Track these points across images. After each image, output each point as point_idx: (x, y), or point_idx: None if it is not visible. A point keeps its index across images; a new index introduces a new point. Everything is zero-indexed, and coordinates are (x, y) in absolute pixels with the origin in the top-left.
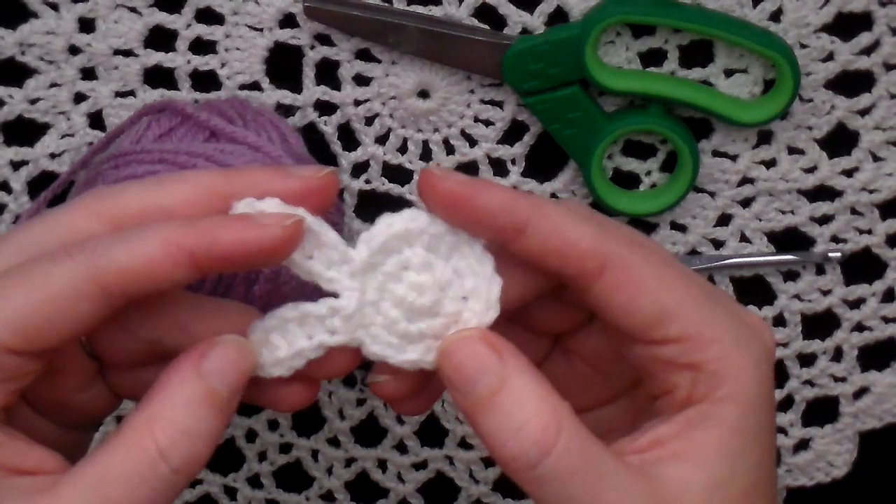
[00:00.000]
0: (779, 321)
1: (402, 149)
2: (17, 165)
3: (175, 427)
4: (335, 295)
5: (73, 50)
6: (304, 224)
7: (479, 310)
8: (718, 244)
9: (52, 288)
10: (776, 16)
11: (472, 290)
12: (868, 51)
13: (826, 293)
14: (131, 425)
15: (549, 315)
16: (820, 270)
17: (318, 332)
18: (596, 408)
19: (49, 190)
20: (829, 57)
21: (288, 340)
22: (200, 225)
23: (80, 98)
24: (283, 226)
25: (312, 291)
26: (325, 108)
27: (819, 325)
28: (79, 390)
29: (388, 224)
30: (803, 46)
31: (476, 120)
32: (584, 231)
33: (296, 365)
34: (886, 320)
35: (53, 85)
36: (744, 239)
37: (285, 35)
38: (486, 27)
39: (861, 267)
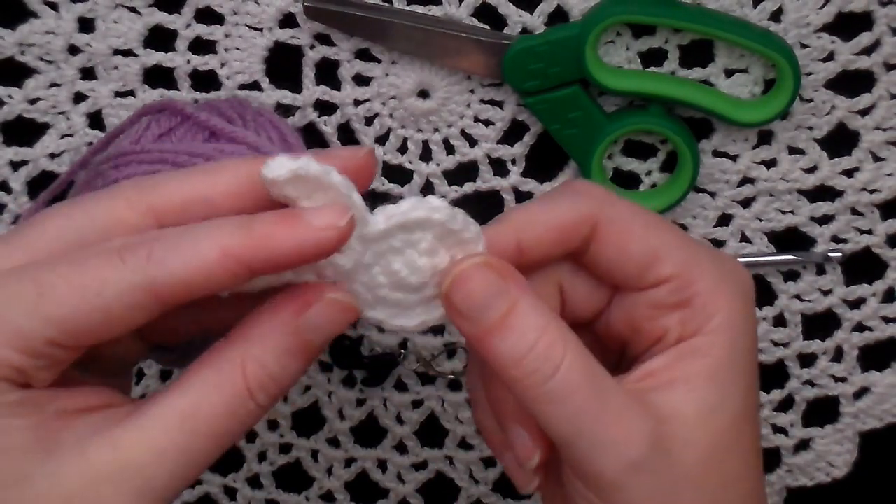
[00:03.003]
0: (779, 321)
1: (402, 149)
2: (16, 165)
3: (266, 372)
4: None
5: (73, 50)
6: (337, 185)
7: None
8: (718, 244)
9: (108, 296)
10: (776, 16)
11: None
12: (868, 51)
13: (826, 293)
14: (222, 363)
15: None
16: (820, 270)
17: (307, 271)
18: None
19: (48, 190)
20: (830, 57)
21: None
22: (255, 231)
23: (79, 98)
24: (339, 227)
25: None
26: (325, 108)
27: (819, 325)
28: (112, 344)
29: (413, 207)
30: (803, 46)
31: (476, 120)
32: (577, 207)
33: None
34: (887, 320)
35: (53, 85)
36: (744, 239)
37: (285, 35)
38: (486, 27)
39: (861, 267)
